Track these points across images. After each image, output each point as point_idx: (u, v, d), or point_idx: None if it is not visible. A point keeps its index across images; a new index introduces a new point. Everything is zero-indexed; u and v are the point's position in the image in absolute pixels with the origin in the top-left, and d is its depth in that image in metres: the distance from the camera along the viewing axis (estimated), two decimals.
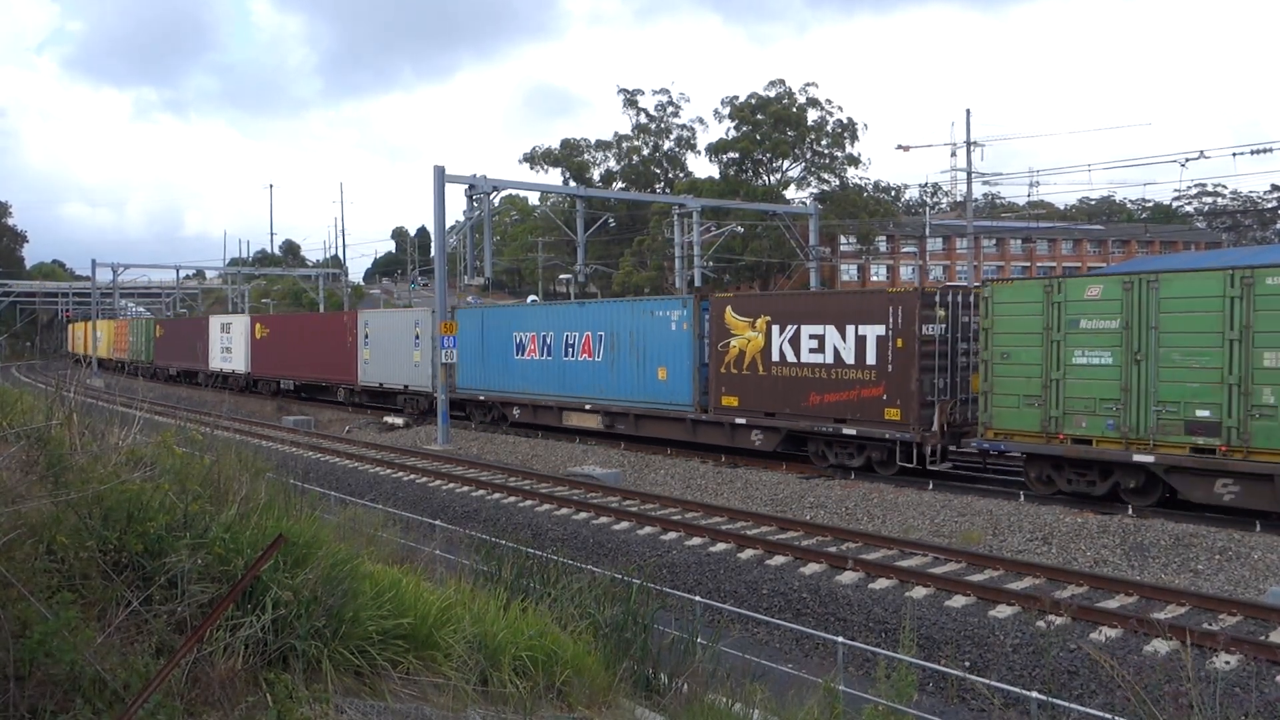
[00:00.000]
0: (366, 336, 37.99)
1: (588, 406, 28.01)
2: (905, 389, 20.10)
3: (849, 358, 21.25)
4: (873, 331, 20.79)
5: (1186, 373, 16.03)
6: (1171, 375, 16.21)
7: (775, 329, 22.88)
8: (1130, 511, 16.94)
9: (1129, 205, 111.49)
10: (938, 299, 20.39)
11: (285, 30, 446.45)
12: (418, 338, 34.59)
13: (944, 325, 20.27)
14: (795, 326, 22.47)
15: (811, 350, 22.09)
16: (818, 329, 21.98)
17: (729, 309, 24.06)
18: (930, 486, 19.83)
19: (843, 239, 79.42)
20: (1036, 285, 18.37)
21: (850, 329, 21.24)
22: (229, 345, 50.07)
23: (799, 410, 22.29)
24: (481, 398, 32.03)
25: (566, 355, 28.79)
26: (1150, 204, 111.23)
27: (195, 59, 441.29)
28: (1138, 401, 16.56)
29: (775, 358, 22.81)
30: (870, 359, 20.81)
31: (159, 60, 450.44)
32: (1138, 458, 16.58)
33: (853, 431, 21.14)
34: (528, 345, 30.20)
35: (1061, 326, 17.49)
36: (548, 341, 29.57)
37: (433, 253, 33.98)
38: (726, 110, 77.56)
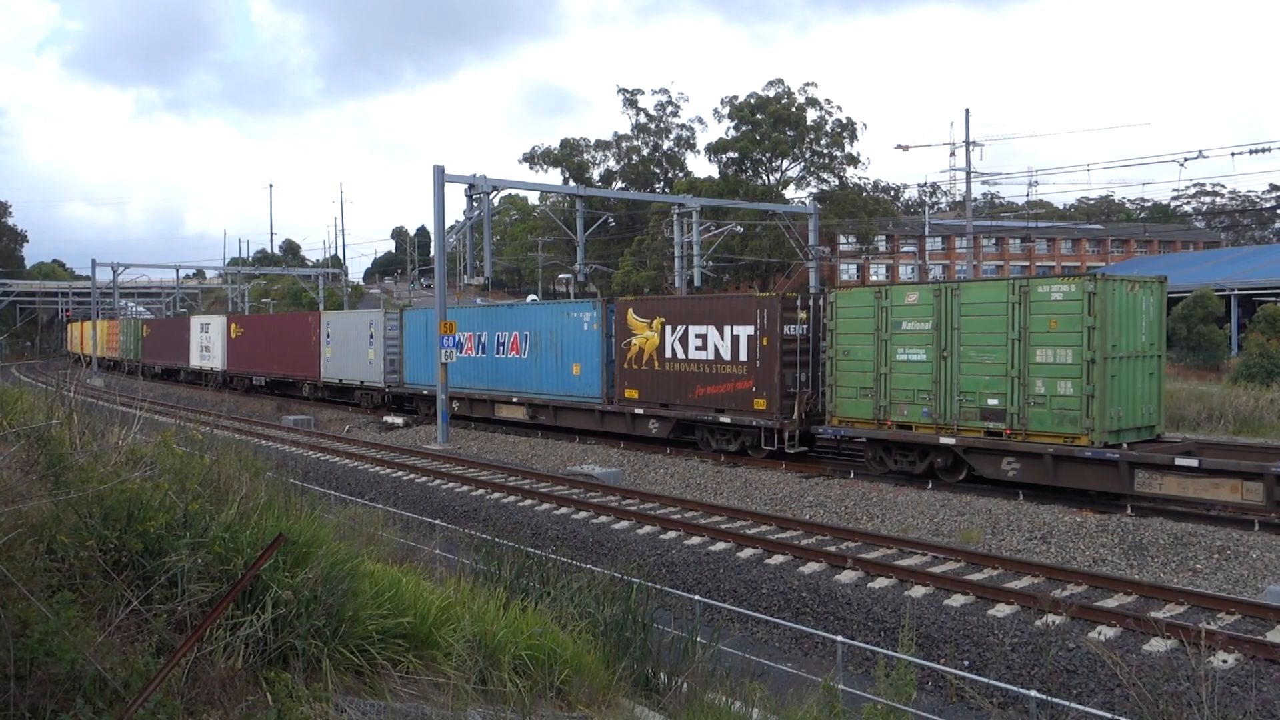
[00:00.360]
0: (328, 336, 40.63)
1: (515, 399, 30.72)
2: (770, 382, 22.71)
3: (726, 354, 23.89)
4: (744, 331, 23.41)
5: (980, 367, 18.65)
6: (969, 370, 18.83)
7: (668, 329, 25.52)
8: (1129, 511, 16.98)
9: (1128, 205, 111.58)
10: (798, 303, 23.16)
11: (287, 29, 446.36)
12: (371, 337, 37.21)
13: (805, 326, 22.86)
14: (684, 327, 25.10)
15: (697, 348, 24.74)
16: (702, 329, 24.64)
17: (630, 311, 26.62)
18: (929, 486, 19.86)
19: (842, 238, 79.42)
20: (868, 292, 20.96)
21: (727, 329, 23.87)
22: (208, 344, 52.78)
23: (687, 401, 24.89)
24: (425, 392, 34.06)
25: (498, 353, 31.68)
26: (1149, 203, 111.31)
27: (196, 58, 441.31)
28: (945, 392, 19.22)
29: (668, 355, 25.46)
30: (743, 356, 23.43)
31: (160, 59, 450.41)
32: (944, 440, 19.18)
33: (728, 420, 23.75)
34: (465, 344, 32.74)
35: (888, 328, 20.05)
36: (482, 340, 32.44)
37: (432, 252, 33.95)
38: (726, 110, 77.63)
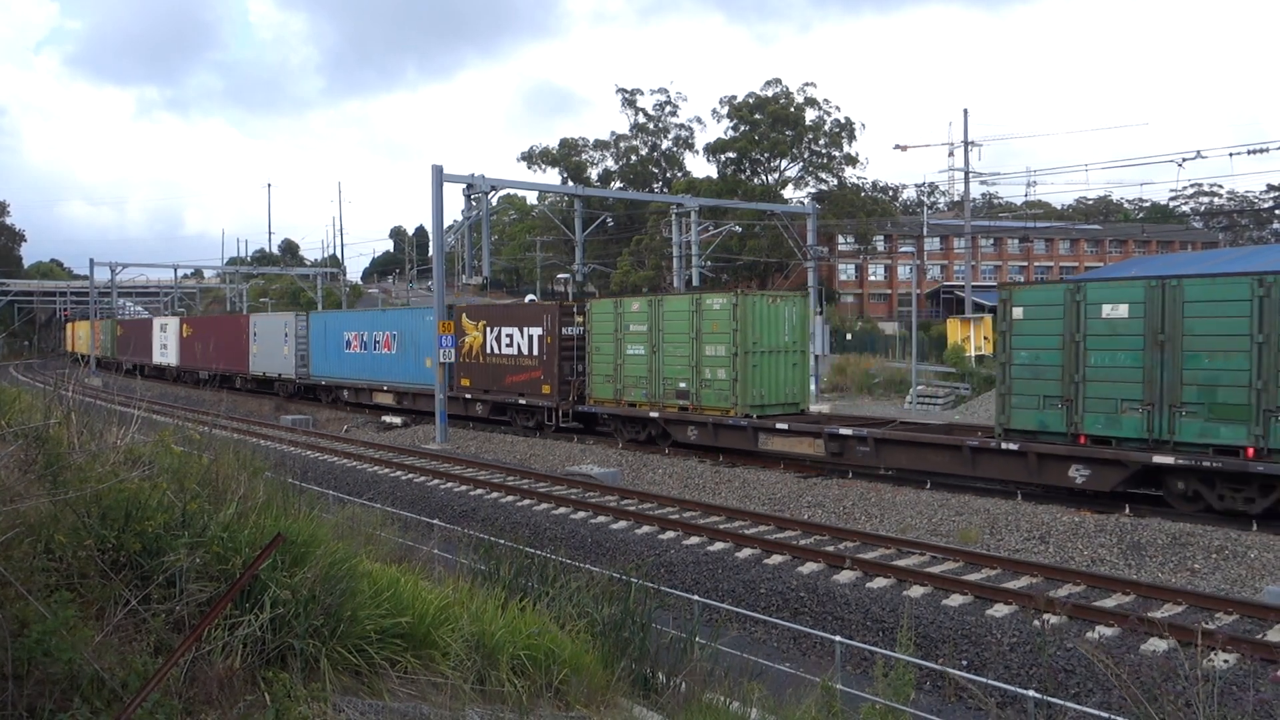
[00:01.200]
0: (255, 335, 46.34)
1: (385, 388, 36.85)
2: (552, 372, 28.78)
3: (525, 350, 29.94)
4: (536, 332, 29.47)
5: (675, 359, 24.86)
6: (669, 361, 25.05)
7: (489, 330, 31.46)
8: (1127, 511, 16.99)
9: (1126, 205, 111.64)
10: (575, 309, 29.17)
11: (288, 28, 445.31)
12: (286, 335, 43.21)
13: (581, 328, 28.41)
14: (499, 328, 31.02)
15: (506, 345, 30.74)
16: (510, 330, 30.57)
17: (464, 315, 32.67)
18: (927, 485, 19.86)
19: (840, 238, 79.45)
20: (609, 303, 27.50)
21: (526, 330, 29.90)
22: (165, 343, 58.90)
23: (500, 388, 31.04)
24: (323, 383, 40.88)
25: (375, 350, 37.65)
26: (1147, 204, 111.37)
27: (198, 57, 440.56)
28: (655, 379, 25.51)
29: (488, 351, 31.54)
30: (536, 351, 29.50)
31: (162, 58, 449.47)
32: (653, 414, 25.58)
33: (524, 402, 30.00)
34: (353, 342, 38.96)
35: (621, 330, 26.33)
36: (364, 339, 38.36)
37: (431, 252, 34.07)
38: (725, 110, 77.67)
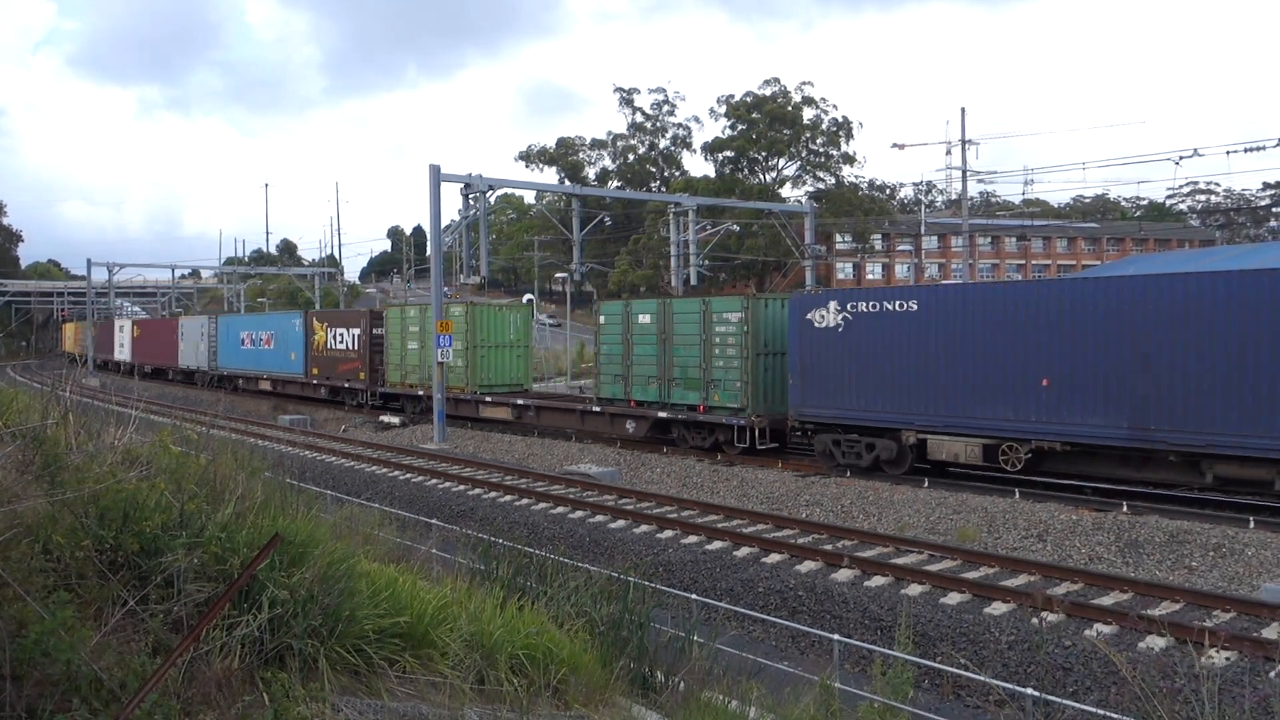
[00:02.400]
0: (182, 334, 56.53)
1: (265, 377, 46.49)
2: (367, 363, 37.86)
3: (351, 346, 38.95)
4: (356, 332, 38.59)
5: (431, 353, 31.24)
6: (429, 355, 31.79)
7: (329, 330, 40.52)
8: (1125, 509, 17.02)
9: (1123, 203, 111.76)
10: (385, 315, 37.67)
11: (290, 28, 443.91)
12: (203, 335, 53.25)
13: (384, 330, 36.86)
14: (337, 328, 40.08)
15: (339, 341, 39.73)
16: (342, 329, 39.65)
17: (314, 318, 42.30)
18: (925, 484, 19.88)
19: (838, 237, 79.46)
20: (398, 310, 36.72)
21: (352, 330, 38.98)
22: (122, 341, 68.36)
23: (336, 375, 40.03)
24: (226, 373, 50.28)
25: (259, 346, 46.83)
26: (1144, 202, 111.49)
27: (200, 56, 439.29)
28: (423, 367, 33.28)
29: (329, 346, 40.47)
30: (357, 346, 38.49)
31: (164, 58, 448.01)
32: (420, 393, 33.88)
33: (348, 385, 39.28)
34: (246, 340, 48.22)
35: (405, 332, 35.12)
36: (253, 338, 47.70)
37: (428, 252, 34.13)
38: (723, 109, 77.60)
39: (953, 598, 13.32)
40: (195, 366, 54.03)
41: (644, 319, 26.28)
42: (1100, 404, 17.21)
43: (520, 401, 30.91)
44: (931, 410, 19.77)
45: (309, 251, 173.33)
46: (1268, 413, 15.33)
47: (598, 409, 27.57)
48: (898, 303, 20.43)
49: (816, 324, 21.75)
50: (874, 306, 20.86)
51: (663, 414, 25.62)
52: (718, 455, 24.84)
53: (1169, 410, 16.40)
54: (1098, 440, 17.41)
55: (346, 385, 39.11)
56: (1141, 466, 17.49)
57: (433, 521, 15.60)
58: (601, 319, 27.60)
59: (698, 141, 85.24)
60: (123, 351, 67.29)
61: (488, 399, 31.91)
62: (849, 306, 21.32)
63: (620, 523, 18.43)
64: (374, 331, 37.22)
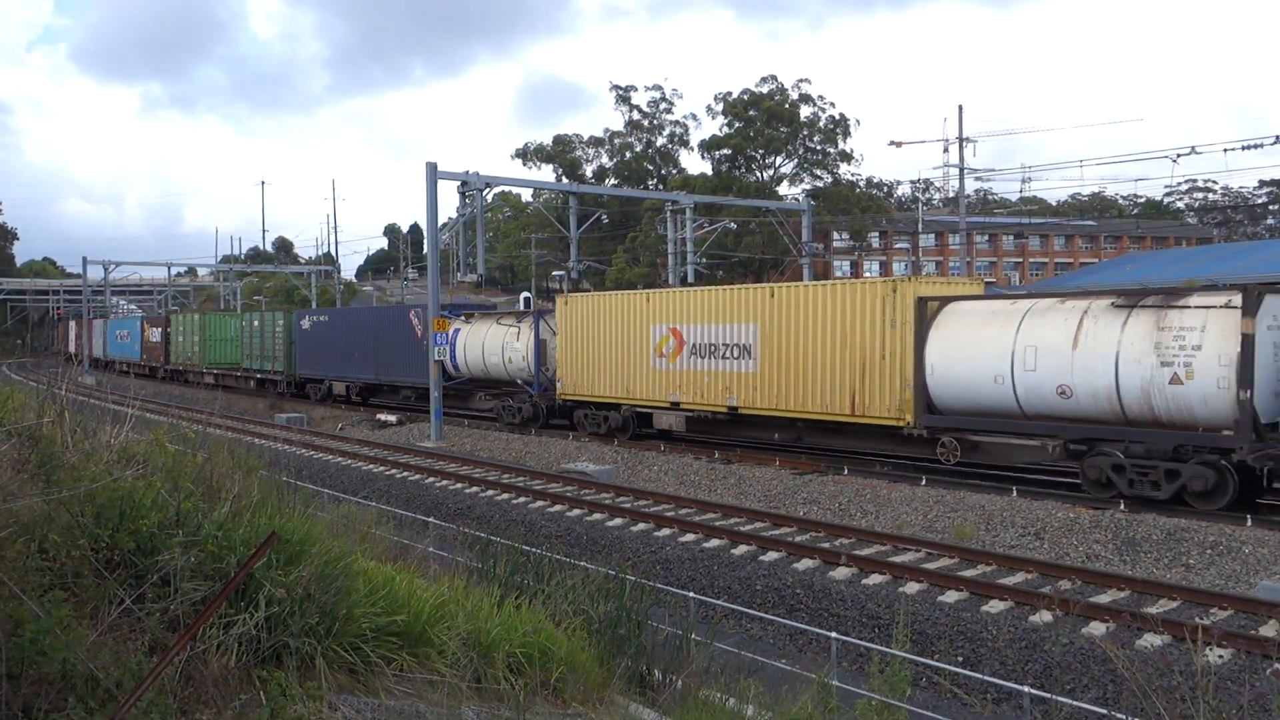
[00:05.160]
0: (97, 332, 73.99)
1: (126, 364, 65.72)
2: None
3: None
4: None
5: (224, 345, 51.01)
6: (225, 348, 50.90)
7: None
8: (1122, 507, 17.05)
9: (1121, 201, 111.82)
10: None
11: (297, 25, 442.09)
12: (102, 333, 72.97)
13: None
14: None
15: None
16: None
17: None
18: (923, 482, 19.90)
19: (836, 235, 79.47)
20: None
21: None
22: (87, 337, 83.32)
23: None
24: (108, 361, 68.57)
25: (122, 340, 66.94)
26: (1142, 200, 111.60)
27: (204, 53, 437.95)
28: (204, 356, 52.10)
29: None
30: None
31: (169, 54, 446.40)
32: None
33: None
34: (119, 336, 67.30)
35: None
36: (121, 334, 66.89)
37: (425, 250, 34.11)
38: (720, 106, 77.57)
39: (950, 596, 13.33)
40: (98, 356, 73.27)
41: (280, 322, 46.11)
42: (370, 365, 38.77)
43: (216, 372, 51.51)
44: (338, 372, 41.94)
45: (306, 249, 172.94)
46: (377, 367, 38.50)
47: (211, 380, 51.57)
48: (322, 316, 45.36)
49: (303, 326, 44.12)
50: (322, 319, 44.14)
51: (259, 375, 47.40)
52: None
53: (386, 368, 37.85)
54: (366, 380, 40.12)
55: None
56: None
57: (430, 520, 15.59)
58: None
59: (695, 139, 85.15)
60: (81, 345, 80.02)
61: (215, 373, 51.40)
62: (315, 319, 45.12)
63: (617, 521, 18.42)
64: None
